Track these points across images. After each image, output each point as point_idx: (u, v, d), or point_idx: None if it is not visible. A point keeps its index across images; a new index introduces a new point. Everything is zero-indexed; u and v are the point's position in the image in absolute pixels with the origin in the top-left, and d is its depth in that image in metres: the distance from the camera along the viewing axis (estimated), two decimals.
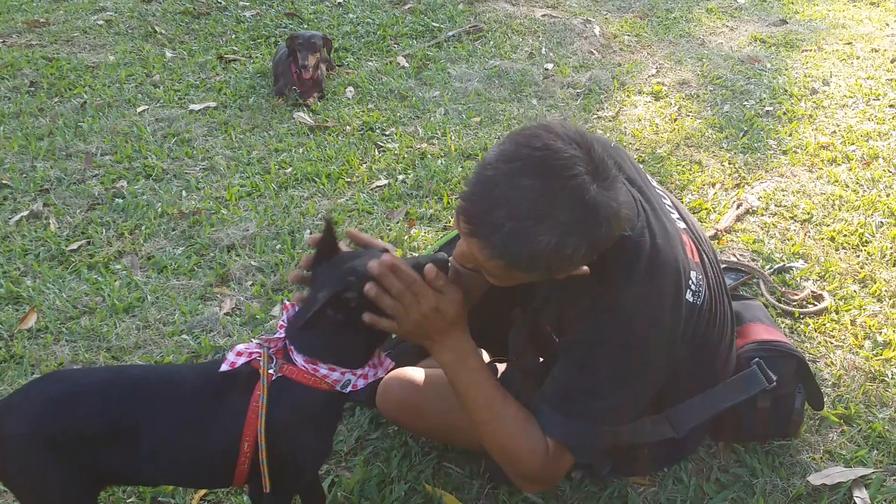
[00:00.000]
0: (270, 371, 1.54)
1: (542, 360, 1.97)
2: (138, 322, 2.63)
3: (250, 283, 2.83)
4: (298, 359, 1.56)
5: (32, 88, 4.42)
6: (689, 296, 1.64)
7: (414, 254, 2.90)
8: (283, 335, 1.60)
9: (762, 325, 2.12)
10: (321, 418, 1.62)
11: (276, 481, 1.55)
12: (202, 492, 2.00)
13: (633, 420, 1.73)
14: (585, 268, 1.54)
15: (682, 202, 3.25)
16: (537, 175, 1.39)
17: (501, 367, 2.02)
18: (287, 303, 1.67)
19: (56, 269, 2.92)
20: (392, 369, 1.80)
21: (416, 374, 1.96)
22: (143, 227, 3.16)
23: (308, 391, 1.56)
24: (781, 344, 2.02)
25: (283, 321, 1.63)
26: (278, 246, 3.01)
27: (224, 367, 1.56)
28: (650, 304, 1.59)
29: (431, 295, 1.57)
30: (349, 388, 1.59)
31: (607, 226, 1.43)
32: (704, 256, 1.77)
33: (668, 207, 1.77)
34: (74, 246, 3.04)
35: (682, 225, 1.76)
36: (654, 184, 1.83)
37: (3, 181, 3.48)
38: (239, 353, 1.58)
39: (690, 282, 1.65)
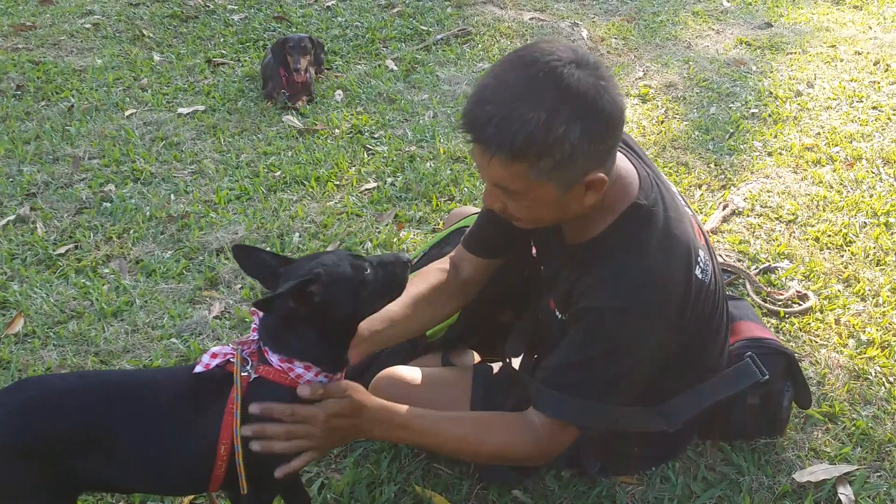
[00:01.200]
0: (245, 373, 1.53)
1: (535, 356, 1.99)
2: (127, 326, 2.64)
3: (239, 286, 2.83)
4: (273, 359, 1.55)
5: (19, 92, 4.41)
6: (698, 272, 1.64)
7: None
8: (256, 337, 1.59)
9: (753, 322, 2.14)
10: None
11: (254, 483, 1.54)
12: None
13: (632, 398, 1.70)
14: (595, 198, 1.53)
15: None
16: (521, 68, 1.44)
17: (496, 366, 2.03)
18: (255, 308, 1.66)
19: (43, 273, 2.92)
20: (378, 371, 1.82)
21: (406, 372, 1.97)
22: (131, 231, 3.16)
23: (284, 391, 1.54)
24: (771, 341, 2.03)
25: (255, 324, 1.62)
26: (267, 249, 3.01)
27: (198, 369, 1.55)
28: (663, 272, 1.58)
29: (318, 410, 1.54)
30: None
31: (597, 106, 1.42)
32: (706, 242, 1.78)
33: (674, 191, 1.79)
34: (62, 250, 3.04)
35: (688, 211, 1.78)
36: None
37: None
38: (213, 355, 1.56)
39: (699, 258, 1.65)
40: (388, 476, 2.03)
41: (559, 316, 1.76)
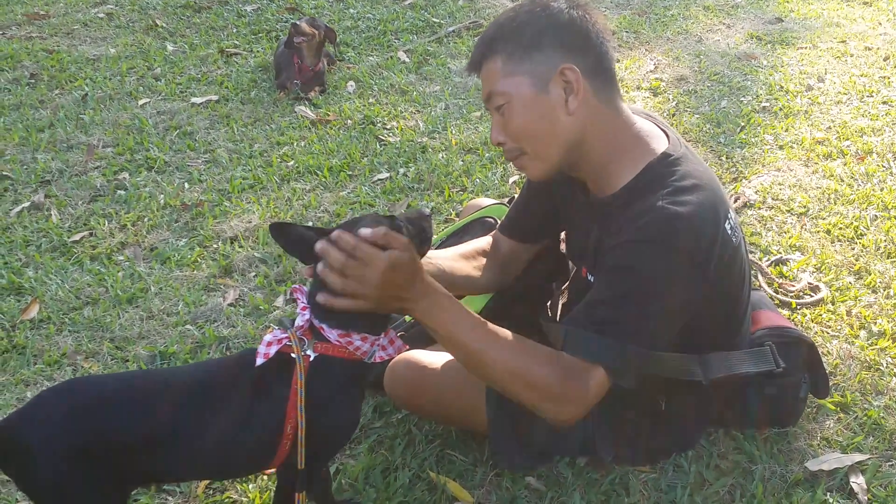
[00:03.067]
0: (307, 353, 1.54)
1: None
2: (142, 312, 2.66)
3: (253, 274, 2.85)
4: (332, 335, 1.55)
5: (33, 80, 4.44)
6: (727, 227, 1.63)
7: None
8: (306, 317, 1.59)
9: (773, 312, 2.15)
10: (356, 389, 1.65)
11: (310, 458, 1.56)
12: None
13: (660, 345, 1.64)
14: (578, 106, 1.62)
15: None
16: None
17: None
18: (296, 286, 1.66)
19: (58, 259, 2.94)
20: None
21: (424, 356, 1.99)
22: (145, 219, 3.19)
23: (346, 365, 1.57)
24: (792, 330, 2.04)
25: (302, 303, 1.61)
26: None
27: (259, 361, 1.53)
28: (692, 210, 1.56)
29: (380, 254, 1.50)
30: (371, 360, 1.61)
31: (561, 8, 1.63)
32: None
33: None
34: (76, 237, 3.07)
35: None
36: None
37: (4, 172, 3.50)
38: (269, 344, 1.56)
39: (729, 215, 1.66)
40: (403, 462, 2.05)
41: (591, 279, 1.76)
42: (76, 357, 2.46)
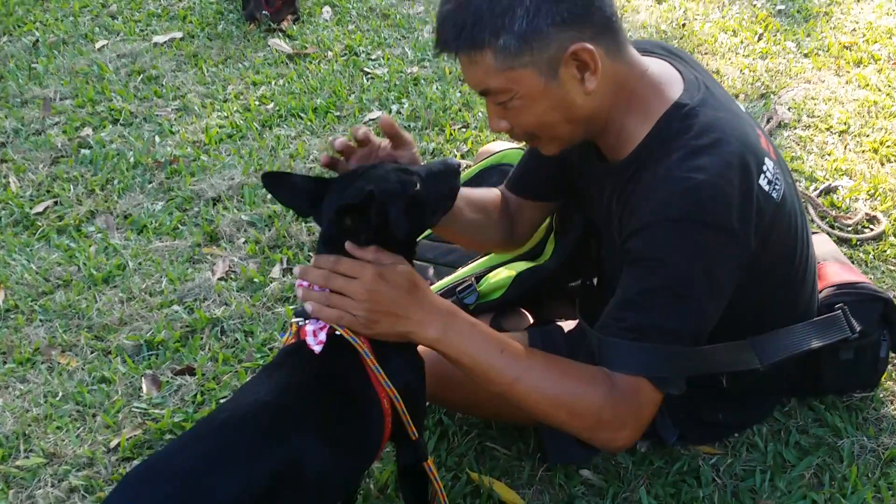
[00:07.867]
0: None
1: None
2: (121, 294, 2.37)
3: (243, 240, 2.55)
4: None
5: None
6: (763, 182, 1.38)
7: None
8: None
9: (838, 263, 1.88)
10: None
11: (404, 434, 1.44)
12: None
13: (705, 337, 1.42)
14: (597, 84, 1.36)
15: None
16: None
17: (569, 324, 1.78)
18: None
19: (21, 235, 2.67)
20: None
21: None
22: (115, 181, 2.88)
23: None
24: (864, 285, 1.78)
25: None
26: (269, 196, 2.72)
27: (318, 350, 1.35)
28: (712, 172, 1.32)
29: (367, 267, 1.35)
30: None
31: None
32: (779, 159, 1.52)
33: (733, 99, 1.54)
34: (40, 208, 2.78)
35: (751, 120, 1.51)
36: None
37: None
38: (315, 333, 1.36)
39: (765, 167, 1.39)
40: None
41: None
42: (51, 352, 2.20)
